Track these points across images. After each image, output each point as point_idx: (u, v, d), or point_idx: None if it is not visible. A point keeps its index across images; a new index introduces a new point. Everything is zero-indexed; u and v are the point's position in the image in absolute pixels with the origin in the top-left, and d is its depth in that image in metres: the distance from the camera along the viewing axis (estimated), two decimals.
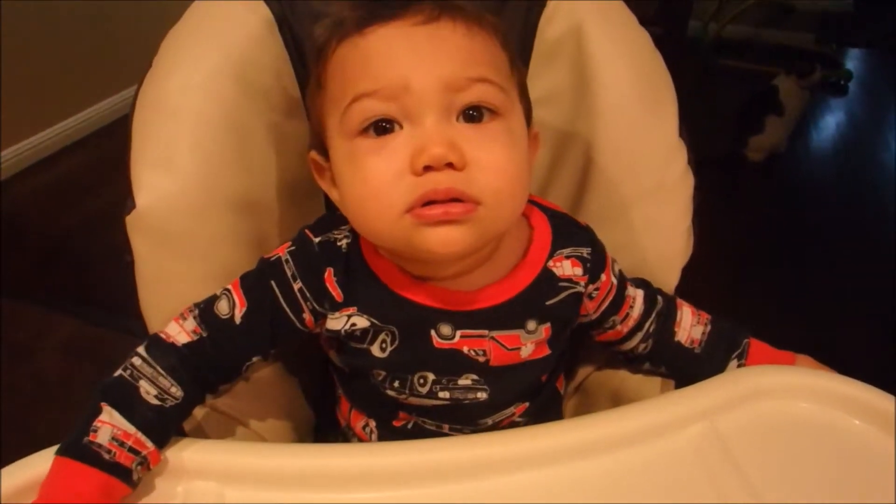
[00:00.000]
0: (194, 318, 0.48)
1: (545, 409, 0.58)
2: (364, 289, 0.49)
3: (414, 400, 0.51)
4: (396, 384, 0.51)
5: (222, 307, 0.48)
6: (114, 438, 0.42)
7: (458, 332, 0.49)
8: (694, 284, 0.61)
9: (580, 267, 0.52)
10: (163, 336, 0.47)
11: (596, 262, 0.53)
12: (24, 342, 1.44)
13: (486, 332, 0.49)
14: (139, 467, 0.43)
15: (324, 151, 0.48)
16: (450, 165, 0.41)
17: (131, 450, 0.42)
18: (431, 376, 0.50)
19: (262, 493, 0.44)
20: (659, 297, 0.57)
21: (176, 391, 0.45)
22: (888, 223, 1.81)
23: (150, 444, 0.43)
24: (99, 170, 1.97)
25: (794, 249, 1.73)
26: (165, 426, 0.45)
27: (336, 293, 0.49)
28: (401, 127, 0.42)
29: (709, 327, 0.57)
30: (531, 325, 0.51)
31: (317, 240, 0.50)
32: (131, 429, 0.43)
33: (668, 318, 0.57)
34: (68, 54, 2.04)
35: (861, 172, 2.10)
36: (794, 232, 1.79)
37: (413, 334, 0.49)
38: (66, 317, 1.50)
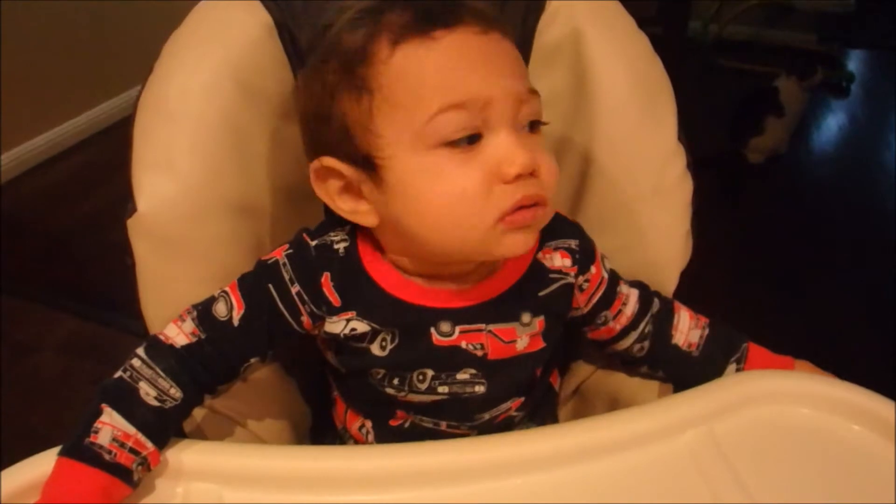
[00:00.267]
0: (192, 320, 0.49)
1: (540, 404, 0.59)
2: (362, 293, 0.49)
3: (413, 397, 0.52)
4: (396, 381, 0.51)
5: (220, 309, 0.49)
6: (114, 439, 0.42)
7: (457, 328, 0.50)
8: (693, 286, 0.61)
9: (569, 258, 0.53)
10: (162, 338, 0.48)
11: (584, 254, 0.54)
12: (24, 340, 1.44)
13: (483, 325, 0.50)
14: (139, 468, 0.43)
15: (360, 156, 0.45)
16: (532, 173, 0.43)
17: (132, 450, 0.43)
18: (431, 372, 0.51)
19: (260, 495, 0.45)
20: (656, 300, 0.58)
21: (175, 392, 0.46)
22: (890, 225, 1.81)
23: (150, 445, 0.44)
24: (98, 171, 1.98)
25: (793, 251, 1.73)
26: (165, 427, 0.46)
27: (333, 298, 0.49)
28: (482, 137, 0.43)
29: (707, 331, 0.57)
30: (526, 317, 0.51)
31: (313, 243, 0.50)
32: (131, 430, 0.43)
33: (665, 321, 0.57)
34: (68, 58, 2.05)
35: (862, 174, 2.10)
36: (794, 233, 1.79)
37: (413, 334, 0.50)
38: (66, 315, 1.50)
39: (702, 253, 0.61)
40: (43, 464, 0.43)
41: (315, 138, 0.48)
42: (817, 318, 1.50)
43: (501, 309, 0.51)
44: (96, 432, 0.42)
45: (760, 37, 2.82)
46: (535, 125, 0.45)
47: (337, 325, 0.50)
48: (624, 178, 0.59)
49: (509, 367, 0.52)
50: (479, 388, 0.52)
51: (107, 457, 0.42)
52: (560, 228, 0.53)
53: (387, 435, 0.55)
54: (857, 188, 2.02)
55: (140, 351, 0.47)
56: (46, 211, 1.87)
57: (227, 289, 0.50)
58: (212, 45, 0.54)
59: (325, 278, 0.49)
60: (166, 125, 0.53)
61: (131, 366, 0.46)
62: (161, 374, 0.46)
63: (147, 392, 0.45)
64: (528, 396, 0.56)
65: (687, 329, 0.57)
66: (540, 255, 0.52)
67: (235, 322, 0.48)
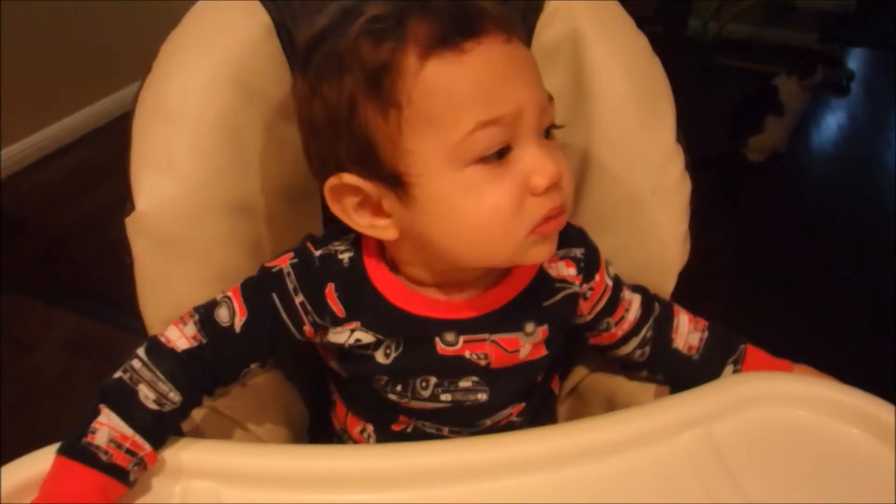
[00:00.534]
0: (194, 323, 0.48)
1: (540, 408, 0.59)
2: (367, 304, 0.49)
3: (415, 403, 0.52)
4: (399, 388, 0.51)
5: (223, 315, 0.49)
6: (111, 440, 0.43)
7: (461, 338, 0.50)
8: (692, 286, 0.61)
9: (574, 267, 0.53)
10: (163, 340, 0.48)
11: (589, 263, 0.54)
12: (24, 336, 1.44)
13: (487, 335, 0.50)
14: (136, 468, 0.43)
15: (379, 176, 0.44)
16: (557, 183, 0.43)
17: (128, 451, 0.43)
18: (434, 379, 0.51)
19: (258, 494, 0.45)
20: (656, 304, 0.58)
21: (174, 396, 0.46)
22: (890, 225, 1.81)
23: (147, 447, 0.44)
24: (97, 167, 1.98)
25: (793, 251, 1.73)
26: (163, 429, 0.46)
27: (337, 309, 0.49)
28: (511, 150, 0.42)
29: (706, 334, 0.57)
30: (530, 327, 0.51)
31: (317, 253, 0.50)
32: (129, 431, 0.43)
33: (665, 325, 0.57)
34: (67, 54, 2.05)
35: (862, 174, 2.09)
36: (793, 233, 1.79)
37: (418, 343, 0.50)
38: (66, 312, 1.50)
39: (701, 253, 0.61)
40: (42, 461, 0.43)
41: (328, 150, 0.46)
42: (817, 318, 1.50)
43: (506, 319, 0.51)
44: (94, 433, 0.43)
45: (760, 35, 2.82)
46: (549, 130, 0.45)
47: (341, 336, 0.50)
48: (622, 179, 0.58)
49: (511, 375, 0.52)
50: (482, 396, 0.52)
51: (103, 457, 0.42)
52: (565, 236, 0.53)
53: (389, 439, 0.55)
54: (857, 188, 2.01)
55: (140, 352, 0.47)
56: (46, 208, 1.87)
57: (229, 294, 0.50)
58: (210, 46, 0.54)
59: (330, 289, 0.49)
60: (165, 125, 0.53)
61: (131, 367, 0.46)
62: (161, 377, 0.46)
63: (146, 395, 0.45)
64: (528, 402, 0.56)
65: (686, 332, 0.57)
66: (546, 264, 0.52)
67: (237, 328, 0.48)
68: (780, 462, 0.47)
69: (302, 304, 0.49)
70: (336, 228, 0.51)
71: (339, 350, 0.52)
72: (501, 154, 0.42)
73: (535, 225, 0.43)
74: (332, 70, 0.44)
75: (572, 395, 0.66)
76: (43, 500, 0.41)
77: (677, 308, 0.59)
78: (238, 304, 0.49)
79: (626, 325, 0.56)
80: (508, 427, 0.56)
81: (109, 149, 2.05)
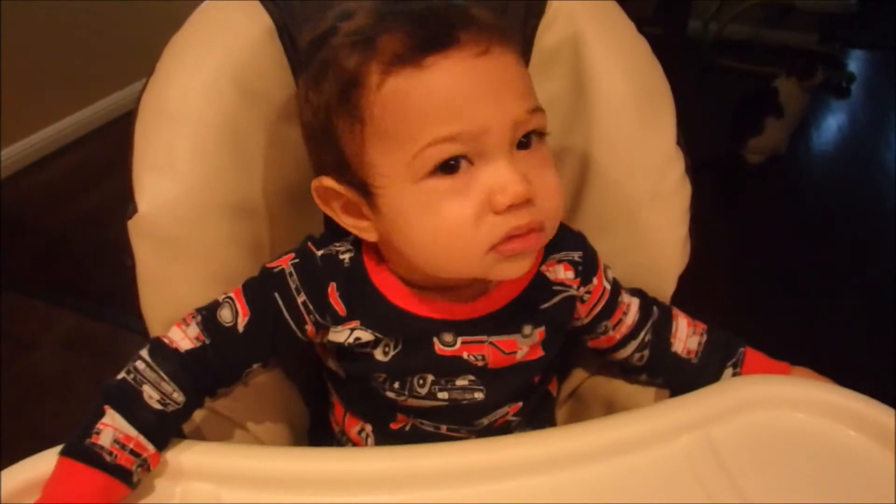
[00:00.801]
0: (197, 324, 0.49)
1: (537, 408, 0.59)
2: (367, 303, 0.50)
3: (412, 401, 0.52)
4: (396, 385, 0.52)
5: (225, 315, 0.49)
6: (115, 441, 0.43)
7: (460, 339, 0.50)
8: (692, 287, 0.62)
9: (572, 271, 0.53)
10: (166, 341, 0.48)
11: (587, 266, 0.54)
12: (24, 336, 1.45)
13: (485, 337, 0.51)
14: (139, 469, 0.44)
15: (358, 181, 0.45)
16: (526, 200, 0.41)
17: (132, 452, 0.43)
18: (431, 377, 0.51)
19: (258, 495, 0.45)
20: (655, 308, 0.58)
21: (178, 396, 0.46)
22: (890, 226, 1.81)
23: (150, 448, 0.44)
24: (97, 168, 1.99)
25: (793, 252, 1.73)
26: (166, 430, 0.46)
27: (339, 307, 0.49)
28: (470, 163, 0.41)
29: (705, 337, 0.57)
30: (527, 329, 0.52)
31: (319, 253, 0.50)
32: (133, 432, 0.43)
33: (664, 329, 0.57)
34: (67, 54, 2.05)
35: (863, 175, 2.09)
36: (793, 234, 1.79)
37: (416, 343, 0.50)
38: (66, 311, 1.51)
39: (701, 254, 0.61)
40: (43, 463, 0.43)
41: (315, 155, 0.48)
42: (817, 319, 1.50)
43: (503, 321, 0.51)
44: (98, 433, 0.43)
45: (760, 37, 2.82)
46: (526, 140, 0.43)
47: (341, 335, 0.50)
48: (622, 183, 0.59)
49: (508, 375, 0.53)
50: (478, 395, 0.52)
51: (107, 458, 0.42)
52: (564, 239, 0.53)
53: (387, 438, 0.56)
54: (857, 189, 2.01)
55: (144, 353, 0.47)
56: (45, 207, 1.87)
57: (231, 294, 0.50)
58: (212, 48, 0.55)
59: (332, 288, 0.49)
60: (167, 126, 0.53)
61: (135, 368, 0.46)
62: (165, 377, 0.46)
63: (150, 395, 0.45)
64: (525, 401, 0.56)
65: (685, 336, 0.57)
66: (543, 267, 0.52)
67: (240, 329, 0.49)
68: (778, 465, 0.47)
69: (304, 303, 0.49)
70: (335, 229, 0.51)
71: (339, 349, 0.52)
72: (453, 169, 0.41)
73: (496, 243, 0.42)
74: (317, 77, 0.45)
75: (572, 398, 0.66)
76: (46, 502, 0.41)
77: (676, 312, 0.59)
78: (241, 305, 0.49)
79: (624, 329, 0.56)
80: (505, 426, 0.56)
81: (109, 149, 2.06)
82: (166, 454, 0.46)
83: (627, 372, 0.60)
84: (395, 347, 0.50)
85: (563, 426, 0.55)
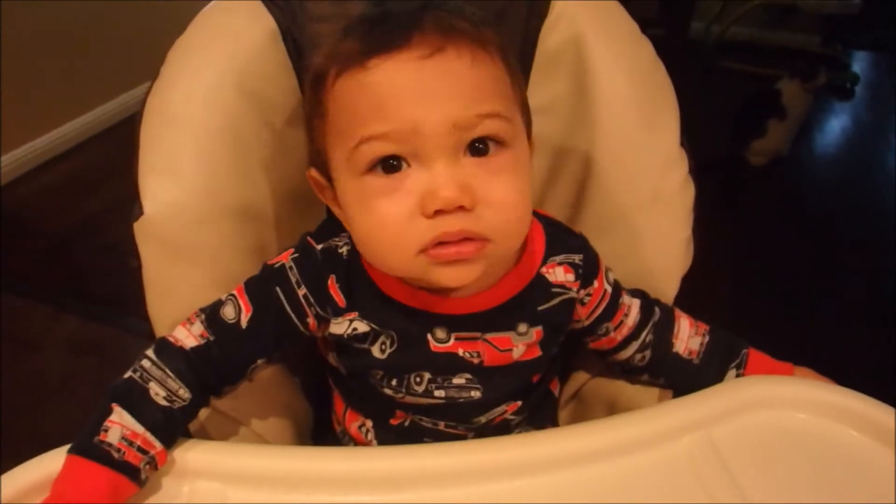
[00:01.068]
0: (201, 322, 0.49)
1: (538, 408, 0.60)
2: (364, 295, 0.50)
3: (410, 399, 0.53)
4: (394, 383, 0.52)
5: (228, 312, 0.50)
6: (123, 438, 0.43)
7: (453, 336, 0.51)
8: (695, 290, 0.62)
9: (572, 273, 0.53)
10: (171, 340, 0.49)
11: (588, 268, 0.54)
12: (28, 338, 1.45)
13: (478, 334, 0.51)
14: (147, 467, 0.44)
15: (326, 172, 0.48)
16: (461, 208, 0.41)
17: (140, 449, 0.44)
18: (427, 375, 0.52)
19: (264, 495, 0.45)
20: (656, 308, 0.58)
21: (184, 393, 0.47)
22: (893, 228, 1.80)
23: (157, 445, 0.45)
24: (99, 172, 2.00)
25: (795, 254, 1.73)
26: (173, 427, 0.47)
27: (339, 299, 0.50)
28: (409, 165, 0.42)
29: (707, 338, 0.57)
30: (522, 327, 0.52)
31: (319, 247, 0.51)
32: (140, 429, 0.44)
33: (665, 329, 0.57)
34: (67, 61, 2.07)
35: (866, 178, 2.08)
36: (796, 236, 1.79)
37: (411, 338, 0.50)
38: (68, 314, 1.51)
39: (703, 256, 0.62)
40: (47, 464, 0.43)
41: (308, 146, 0.51)
42: (819, 321, 1.50)
43: (498, 318, 0.51)
44: (106, 431, 0.43)
45: (763, 38, 2.82)
46: (483, 147, 0.43)
47: (341, 326, 0.51)
48: (625, 185, 0.59)
49: (505, 374, 0.53)
50: (475, 394, 0.53)
51: (116, 455, 0.43)
52: (565, 241, 0.54)
53: (387, 434, 0.56)
54: (859, 191, 2.01)
55: (150, 352, 0.48)
56: (48, 211, 1.88)
57: (234, 292, 0.51)
58: (216, 52, 0.55)
59: (332, 280, 0.50)
60: (171, 130, 0.54)
61: (141, 367, 0.47)
62: (170, 374, 0.47)
63: (157, 392, 0.46)
64: (525, 400, 0.56)
65: (687, 337, 0.57)
66: (543, 269, 0.52)
67: (243, 324, 0.49)
68: (780, 465, 0.47)
69: (305, 296, 0.50)
70: (331, 223, 0.52)
71: (338, 342, 0.53)
72: (392, 168, 0.42)
73: (425, 246, 0.42)
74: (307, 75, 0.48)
75: (574, 399, 0.66)
76: (55, 500, 0.41)
77: (678, 312, 0.59)
78: (243, 301, 0.50)
79: (625, 330, 0.57)
80: (504, 424, 0.56)
81: (110, 153, 2.08)
82: (173, 453, 0.46)
83: (629, 372, 0.61)
84: (391, 345, 0.51)
85: (565, 427, 0.56)
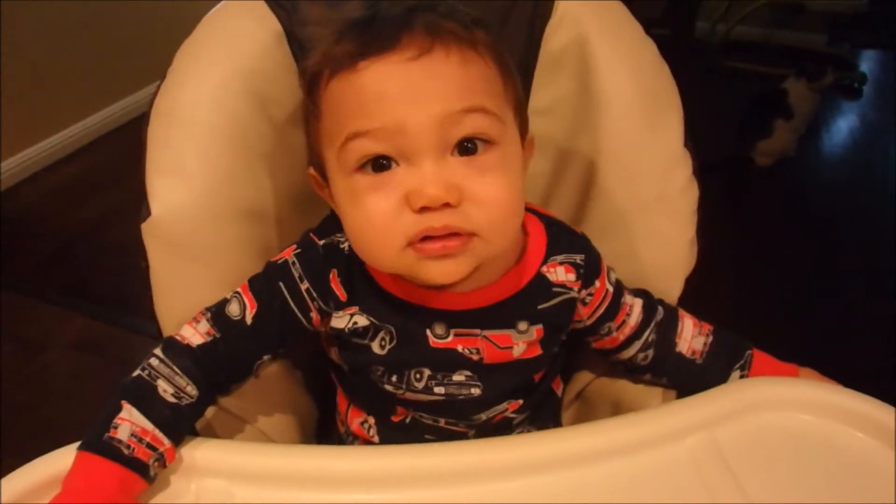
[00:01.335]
0: (207, 320, 0.50)
1: (540, 407, 0.60)
2: (364, 290, 0.51)
3: (410, 395, 0.53)
4: (394, 379, 0.53)
5: (233, 309, 0.50)
6: (133, 434, 0.44)
7: (452, 332, 0.51)
8: (699, 290, 0.62)
9: (573, 273, 0.53)
10: (178, 338, 0.49)
11: (589, 268, 0.54)
12: (34, 338, 1.46)
13: (478, 331, 0.51)
14: (156, 464, 0.45)
15: (322, 171, 0.49)
16: (446, 205, 0.42)
17: (149, 446, 0.44)
18: (427, 372, 0.52)
19: (270, 493, 0.46)
20: (659, 308, 0.58)
21: (191, 390, 0.47)
22: None
23: (166, 442, 0.45)
24: (103, 174, 2.02)
25: (801, 254, 1.72)
26: (181, 424, 0.47)
27: (340, 293, 0.51)
28: (398, 165, 0.43)
29: (711, 338, 0.57)
30: (522, 325, 0.52)
31: (321, 242, 0.52)
32: (149, 426, 0.45)
33: (668, 329, 0.57)
34: (74, 62, 2.08)
35: (873, 178, 2.07)
36: (802, 237, 1.78)
37: (410, 334, 0.51)
38: (74, 314, 1.52)
39: (708, 256, 0.62)
40: (54, 462, 0.44)
41: (308, 146, 0.52)
42: (825, 322, 1.49)
43: (497, 316, 0.51)
44: (115, 428, 0.44)
45: (769, 38, 2.80)
46: (472, 147, 0.43)
47: (342, 320, 0.51)
48: (629, 185, 0.59)
49: (505, 372, 0.53)
50: (475, 391, 0.53)
51: (125, 451, 0.43)
52: (567, 241, 0.54)
53: (389, 430, 0.57)
54: (866, 191, 1.99)
55: (157, 351, 0.49)
56: (53, 213, 1.90)
57: (238, 290, 0.51)
58: (222, 54, 0.56)
59: (333, 274, 0.51)
60: (178, 132, 0.54)
61: (149, 365, 0.48)
62: (178, 371, 0.47)
63: (165, 389, 0.47)
64: (526, 399, 0.57)
65: (690, 337, 0.57)
66: (544, 268, 0.53)
67: (248, 320, 0.50)
68: (784, 466, 0.47)
69: (307, 290, 0.50)
70: (333, 220, 0.52)
71: (340, 337, 0.53)
72: (382, 168, 0.43)
73: (411, 240, 0.43)
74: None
75: (578, 399, 0.66)
76: (66, 497, 0.42)
77: (682, 312, 0.59)
78: (248, 298, 0.50)
79: (627, 329, 0.57)
80: (504, 422, 0.56)
81: (116, 155, 2.10)
82: (181, 451, 0.47)
83: (632, 371, 0.61)
84: (390, 341, 0.51)
85: (568, 427, 0.56)
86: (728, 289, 1.46)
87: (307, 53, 0.57)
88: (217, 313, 0.50)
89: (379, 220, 0.43)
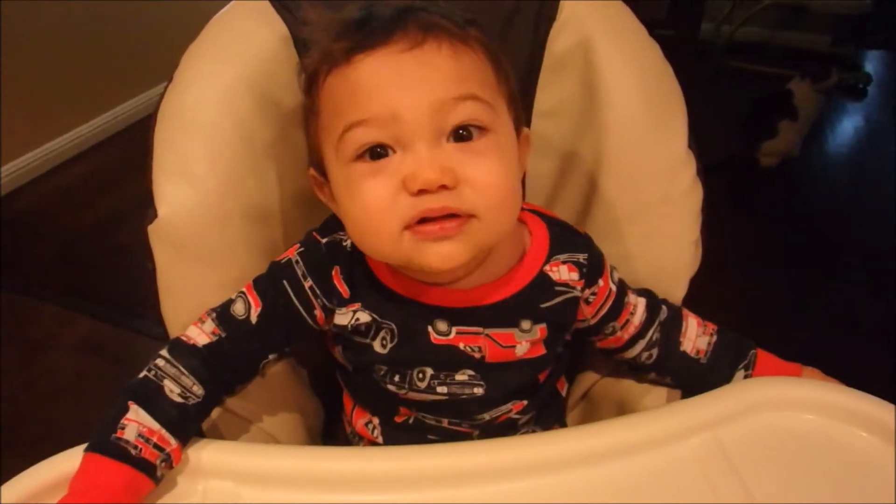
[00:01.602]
0: (212, 320, 0.51)
1: (545, 408, 0.60)
2: (366, 286, 0.51)
3: (413, 395, 0.53)
4: (396, 378, 0.53)
5: (238, 309, 0.51)
6: (140, 435, 0.44)
7: (454, 329, 0.51)
8: (703, 291, 0.62)
9: (576, 272, 0.53)
10: (184, 339, 0.50)
11: (592, 267, 0.54)
12: (39, 339, 1.47)
13: (480, 329, 0.51)
14: (163, 464, 0.45)
15: (322, 170, 0.50)
16: (443, 187, 0.43)
17: (156, 446, 0.44)
18: (430, 371, 0.52)
19: (278, 494, 0.46)
20: (663, 307, 0.58)
21: (198, 390, 0.48)
22: None
23: (173, 442, 0.45)
24: (107, 176, 2.03)
25: (806, 255, 1.71)
26: (187, 424, 0.47)
27: (343, 290, 0.51)
28: (394, 152, 0.44)
29: (715, 338, 0.57)
30: (525, 324, 0.52)
31: (324, 241, 0.52)
32: (156, 426, 0.45)
33: (672, 328, 0.57)
34: (81, 63, 2.10)
35: (878, 178, 2.06)
36: (806, 238, 1.78)
37: (411, 331, 0.51)
38: (80, 315, 1.53)
39: (712, 257, 0.62)
40: (61, 464, 0.44)
41: (307, 146, 0.52)
42: (829, 322, 1.48)
43: (500, 314, 0.52)
44: (122, 428, 0.44)
45: (774, 38, 2.80)
46: (466, 134, 0.44)
47: (345, 317, 0.52)
48: (633, 187, 0.59)
49: (508, 371, 0.53)
50: (478, 390, 0.53)
51: (133, 452, 0.43)
52: (569, 241, 0.54)
53: (393, 431, 0.57)
54: (871, 192, 1.99)
55: (164, 352, 0.49)
56: (59, 214, 1.90)
57: (243, 290, 0.52)
58: (228, 56, 0.56)
59: (336, 271, 0.51)
60: (184, 133, 0.55)
61: (156, 365, 0.48)
62: (184, 371, 0.48)
63: (171, 389, 0.47)
64: (530, 400, 0.56)
65: (695, 336, 0.57)
66: (547, 267, 0.53)
67: (254, 319, 0.50)
68: (788, 466, 0.47)
69: (311, 288, 0.51)
70: (335, 219, 0.53)
71: (342, 335, 0.53)
72: (379, 155, 0.44)
73: (408, 223, 0.43)
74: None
75: (583, 400, 0.67)
76: (73, 498, 0.42)
77: (686, 312, 0.59)
78: (252, 297, 0.51)
79: (631, 329, 0.57)
80: (508, 423, 0.56)
81: (121, 156, 2.10)
82: (188, 452, 0.47)
83: (636, 370, 0.61)
84: (391, 340, 0.51)
85: (574, 427, 0.56)
86: (732, 289, 1.45)
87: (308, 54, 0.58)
88: (222, 313, 0.51)
89: (376, 205, 0.44)
